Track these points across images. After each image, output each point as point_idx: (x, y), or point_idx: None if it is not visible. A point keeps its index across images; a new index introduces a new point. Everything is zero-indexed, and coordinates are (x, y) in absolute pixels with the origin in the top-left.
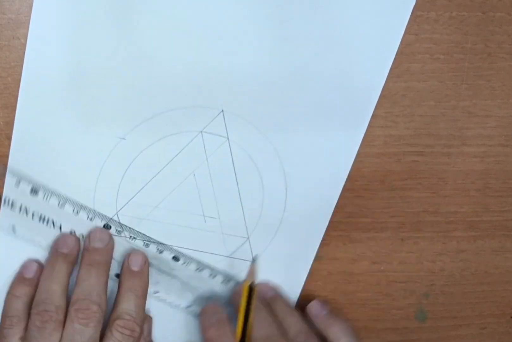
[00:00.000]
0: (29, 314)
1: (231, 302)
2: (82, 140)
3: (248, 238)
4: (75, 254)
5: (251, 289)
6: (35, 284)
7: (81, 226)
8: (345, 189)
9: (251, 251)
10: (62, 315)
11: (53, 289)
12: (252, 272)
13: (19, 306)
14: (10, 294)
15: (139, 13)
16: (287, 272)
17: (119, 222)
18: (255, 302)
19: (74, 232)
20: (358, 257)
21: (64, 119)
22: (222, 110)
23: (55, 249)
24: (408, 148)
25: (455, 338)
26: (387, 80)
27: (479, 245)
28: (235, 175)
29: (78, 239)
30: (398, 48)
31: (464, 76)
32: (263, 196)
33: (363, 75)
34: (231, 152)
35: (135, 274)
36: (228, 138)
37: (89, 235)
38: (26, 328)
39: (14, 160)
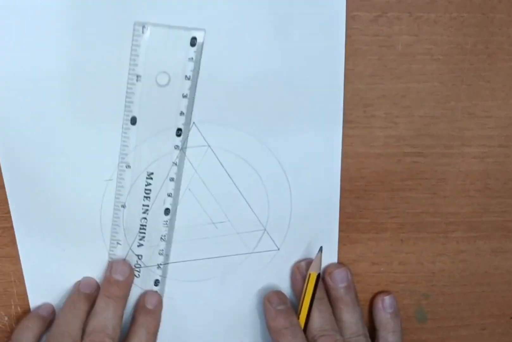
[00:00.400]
0: None
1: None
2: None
3: (265, 229)
4: (96, 295)
5: (317, 278)
6: (48, 322)
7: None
8: (345, 190)
9: (272, 240)
10: None
11: (71, 322)
12: (318, 262)
13: (30, 336)
14: (23, 324)
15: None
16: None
17: (135, 255)
18: (314, 293)
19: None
20: (358, 258)
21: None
22: (193, 122)
23: (78, 289)
24: (408, 148)
25: (455, 339)
26: (388, 81)
27: (479, 245)
28: (229, 176)
29: (98, 283)
30: (400, 49)
31: (464, 77)
32: (265, 187)
33: (320, 76)
34: (217, 157)
35: (149, 311)
36: (209, 145)
37: (111, 266)
38: None
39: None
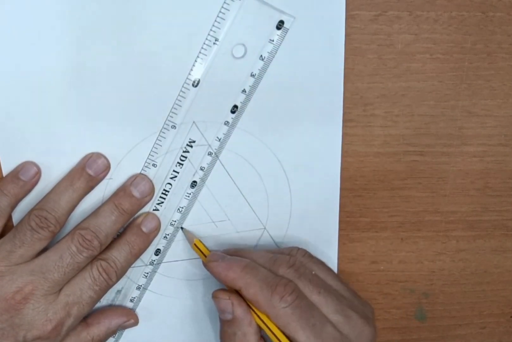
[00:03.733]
0: (9, 214)
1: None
2: None
3: (264, 228)
4: (99, 180)
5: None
6: (28, 189)
7: None
8: (344, 189)
9: (272, 239)
10: (58, 230)
11: (61, 204)
12: (188, 234)
13: (3, 204)
14: None
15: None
16: (316, 255)
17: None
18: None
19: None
20: (358, 257)
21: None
22: (194, 121)
23: (82, 167)
24: (408, 147)
25: (454, 338)
26: (387, 80)
27: (478, 244)
28: (229, 175)
29: (109, 166)
30: (400, 48)
31: (463, 76)
32: (264, 186)
33: (320, 75)
34: (217, 156)
35: (142, 234)
36: (209, 144)
37: (135, 178)
38: (2, 227)
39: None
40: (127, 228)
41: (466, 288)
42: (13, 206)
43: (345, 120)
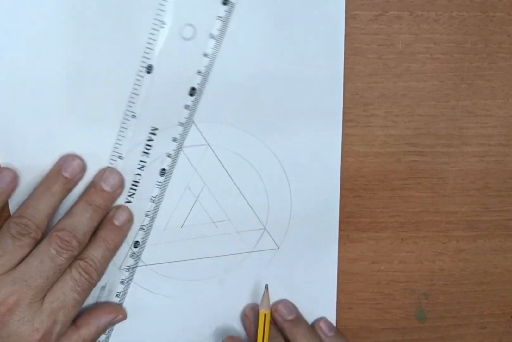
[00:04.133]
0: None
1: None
2: None
3: (264, 228)
4: (76, 182)
5: (267, 316)
6: (5, 196)
7: None
8: (344, 189)
9: (272, 239)
10: (39, 236)
11: (40, 209)
12: (266, 299)
13: None
14: None
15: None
16: (316, 255)
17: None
18: (268, 331)
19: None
20: (358, 257)
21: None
22: (193, 121)
23: (57, 170)
24: (408, 147)
25: (455, 338)
26: (387, 80)
27: (479, 244)
28: (229, 175)
29: (84, 166)
30: (400, 48)
31: (464, 76)
32: (264, 186)
33: (320, 75)
34: (216, 156)
35: (115, 228)
36: (208, 144)
37: (102, 174)
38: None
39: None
40: (101, 224)
41: (466, 288)
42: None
43: (345, 120)
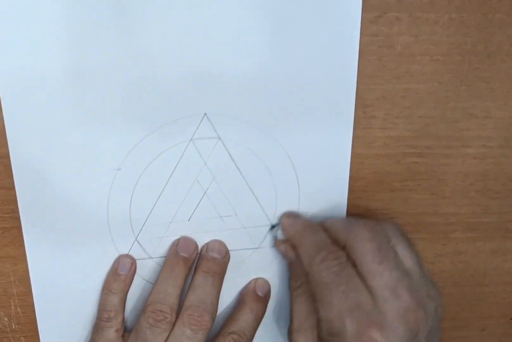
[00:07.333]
0: (123, 309)
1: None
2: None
3: (271, 224)
4: (194, 260)
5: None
6: (129, 281)
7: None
8: None
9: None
10: (175, 317)
11: (170, 291)
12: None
13: (116, 301)
14: (106, 289)
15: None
16: None
17: (141, 247)
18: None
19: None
20: None
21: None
22: (205, 113)
23: (175, 251)
24: (407, 149)
25: (454, 340)
26: (387, 82)
27: (478, 246)
28: (239, 170)
29: (197, 245)
30: (400, 50)
31: (463, 78)
32: (273, 182)
33: (333, 75)
34: (227, 150)
35: (260, 299)
36: (219, 137)
37: (207, 245)
38: (122, 322)
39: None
40: (245, 294)
41: (466, 290)
42: (124, 301)
43: None
